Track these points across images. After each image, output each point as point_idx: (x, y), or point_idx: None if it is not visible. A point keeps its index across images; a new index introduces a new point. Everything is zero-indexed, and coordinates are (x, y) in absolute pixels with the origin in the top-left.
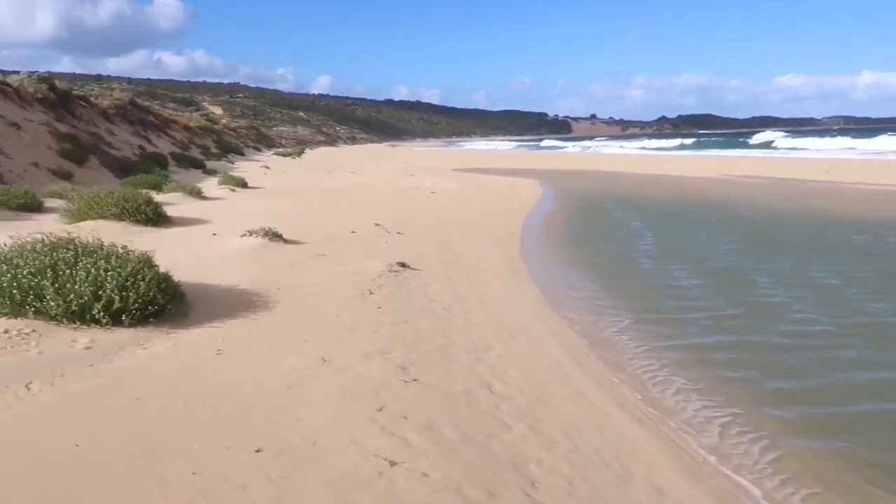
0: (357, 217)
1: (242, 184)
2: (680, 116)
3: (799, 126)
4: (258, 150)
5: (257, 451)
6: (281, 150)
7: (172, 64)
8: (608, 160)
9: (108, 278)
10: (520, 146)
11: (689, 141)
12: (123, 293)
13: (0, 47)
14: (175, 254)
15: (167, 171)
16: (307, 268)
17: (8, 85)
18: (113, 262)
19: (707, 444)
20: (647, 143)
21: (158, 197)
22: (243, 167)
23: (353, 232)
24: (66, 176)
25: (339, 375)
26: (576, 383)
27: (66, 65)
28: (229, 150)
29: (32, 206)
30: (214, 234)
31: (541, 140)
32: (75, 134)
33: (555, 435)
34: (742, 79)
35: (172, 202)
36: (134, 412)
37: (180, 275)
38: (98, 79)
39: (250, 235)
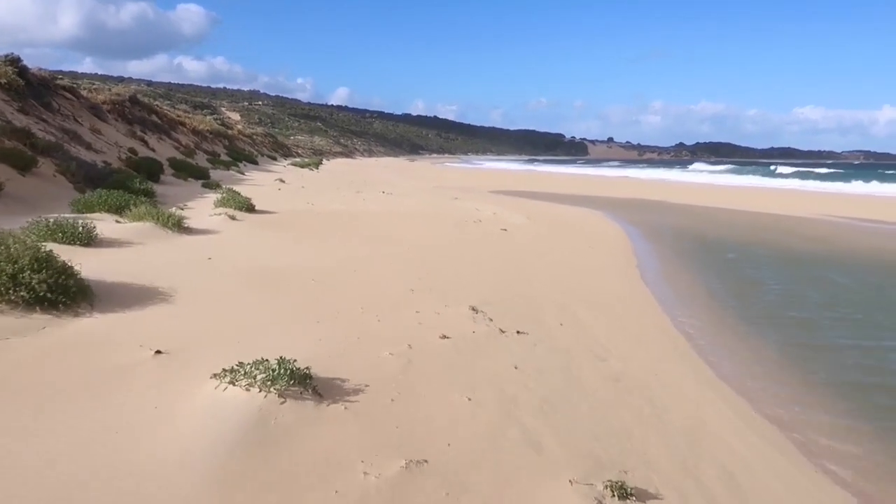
0: (429, 283)
1: (247, 206)
2: (698, 144)
3: (818, 159)
4: (273, 158)
5: None
6: (298, 159)
7: (192, 69)
8: (657, 188)
9: None
10: (525, 166)
11: (721, 167)
12: None
13: (23, 46)
14: None
15: (159, 181)
16: None
17: None
18: None
19: None
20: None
21: (113, 229)
22: (255, 178)
23: (443, 337)
24: None
25: None
26: None
27: (87, 65)
28: (241, 157)
29: None
30: (159, 352)
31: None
32: (28, 128)
33: None
34: (761, 108)
35: (130, 240)
36: None
37: None
38: (119, 80)
39: (233, 384)
